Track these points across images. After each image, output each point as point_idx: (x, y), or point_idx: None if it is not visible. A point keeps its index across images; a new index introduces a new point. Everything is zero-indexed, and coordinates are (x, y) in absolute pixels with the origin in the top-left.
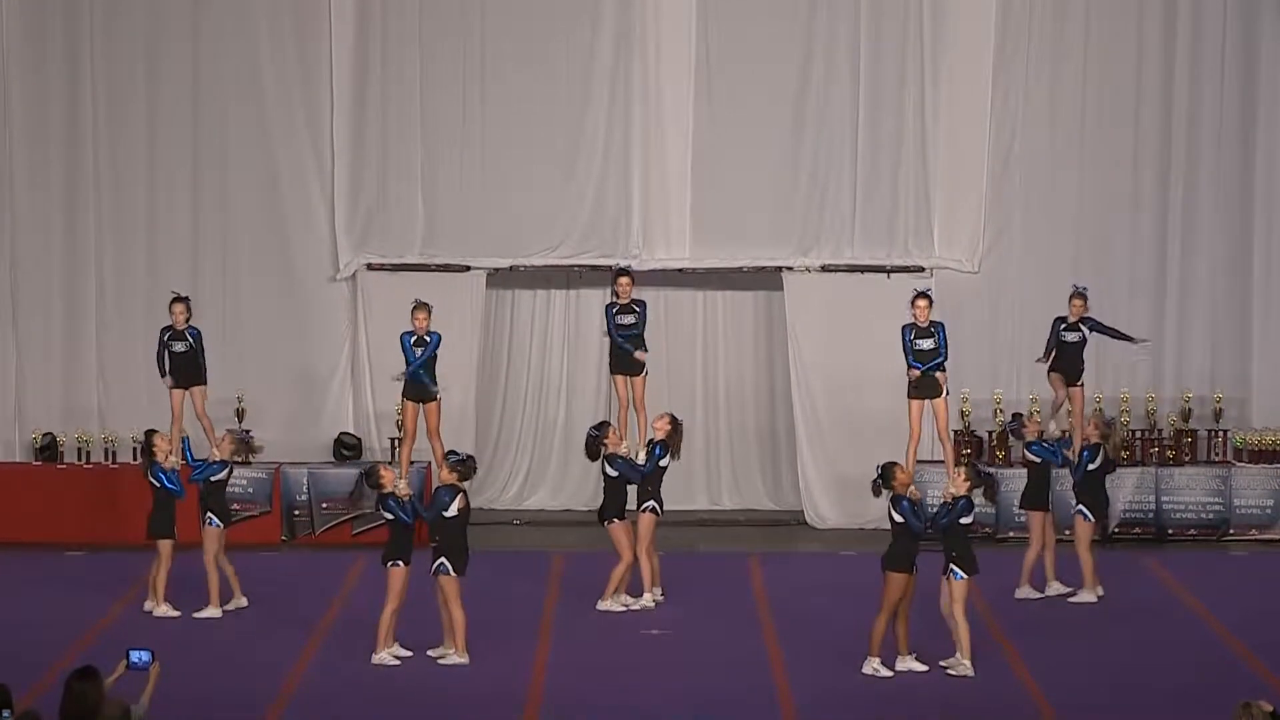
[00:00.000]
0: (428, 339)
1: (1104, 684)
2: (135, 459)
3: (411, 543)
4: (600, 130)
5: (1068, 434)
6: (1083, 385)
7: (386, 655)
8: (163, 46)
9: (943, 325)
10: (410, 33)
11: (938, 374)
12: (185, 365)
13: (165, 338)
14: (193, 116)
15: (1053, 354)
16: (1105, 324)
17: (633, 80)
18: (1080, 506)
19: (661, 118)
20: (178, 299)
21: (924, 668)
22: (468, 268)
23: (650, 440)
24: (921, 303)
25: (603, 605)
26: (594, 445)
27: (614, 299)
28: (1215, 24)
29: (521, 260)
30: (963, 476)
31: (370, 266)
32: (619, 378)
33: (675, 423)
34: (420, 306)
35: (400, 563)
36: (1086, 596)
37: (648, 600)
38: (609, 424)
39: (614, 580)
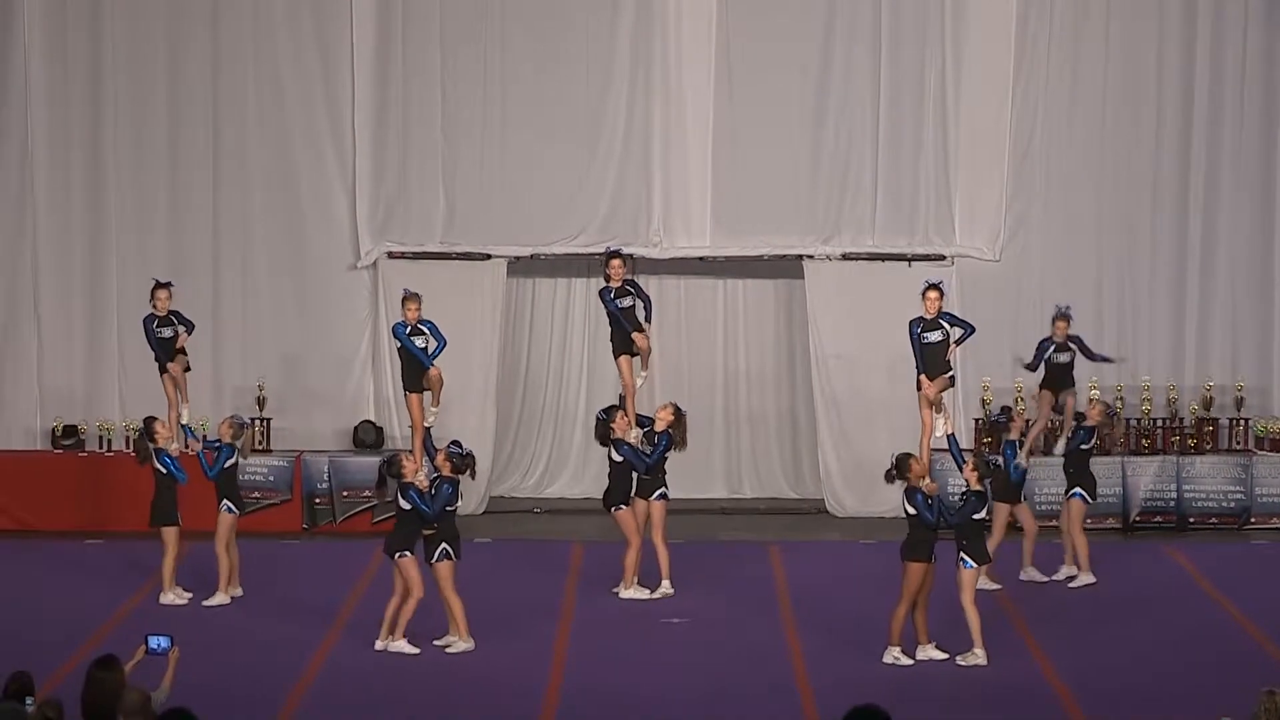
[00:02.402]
0: (424, 328)
1: (1124, 672)
2: (128, 447)
3: (419, 533)
4: (620, 119)
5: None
6: (1074, 391)
7: (404, 644)
8: (183, 37)
9: (950, 314)
10: (431, 21)
11: (953, 353)
12: (172, 350)
13: (154, 325)
14: (213, 106)
15: (1040, 372)
16: (1087, 345)
17: (653, 69)
18: (1078, 489)
19: (682, 107)
20: (160, 285)
21: (943, 656)
22: (488, 256)
23: (651, 429)
24: (932, 294)
25: (625, 594)
26: (602, 429)
27: (606, 283)
28: (1237, 8)
29: (542, 249)
30: (970, 466)
31: (391, 255)
32: (623, 359)
33: (679, 413)
34: (411, 297)
35: (408, 552)
36: (1086, 579)
37: (666, 588)
38: (618, 408)
39: (629, 567)
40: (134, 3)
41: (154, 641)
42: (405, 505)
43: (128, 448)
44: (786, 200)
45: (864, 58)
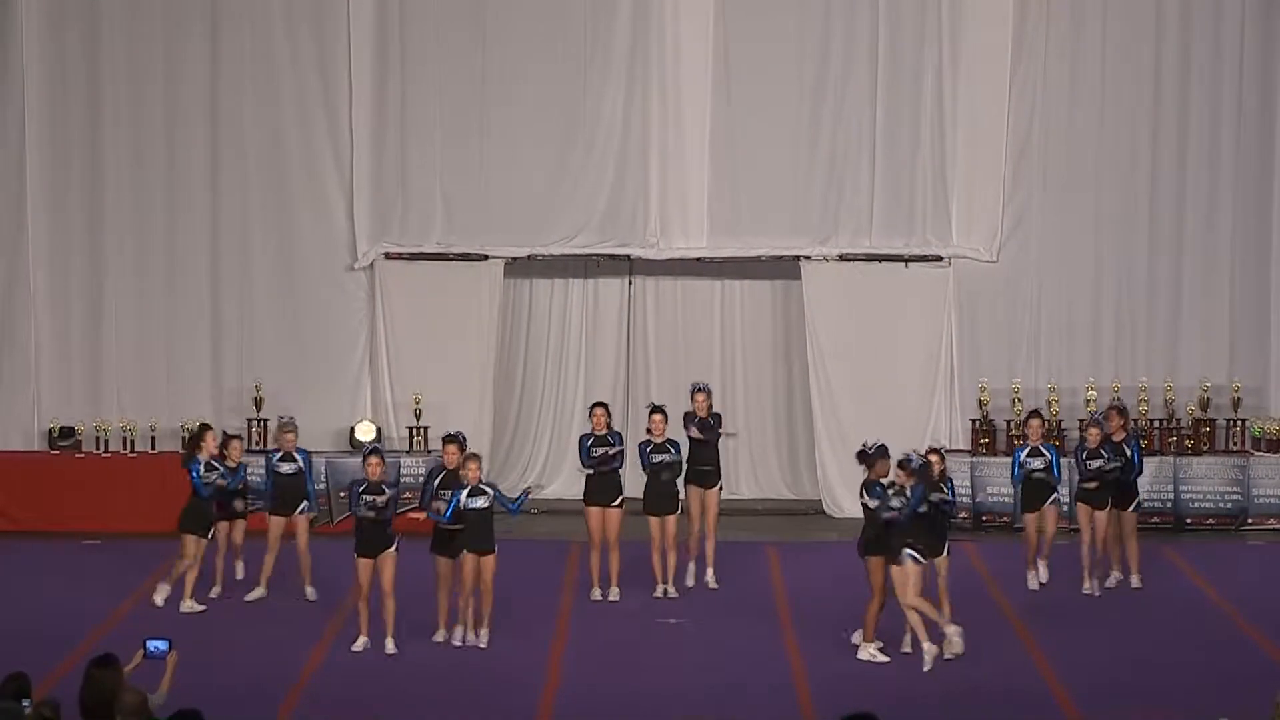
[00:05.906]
0: (486, 489)
1: (1121, 672)
2: (124, 447)
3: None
4: (618, 120)
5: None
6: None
7: (392, 643)
8: (181, 39)
9: (951, 482)
10: (428, 21)
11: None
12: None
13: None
14: (211, 108)
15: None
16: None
17: (650, 70)
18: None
19: (679, 107)
20: (230, 436)
21: (886, 659)
22: (485, 256)
23: (694, 414)
24: (934, 457)
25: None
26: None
27: (649, 437)
28: (1234, 7)
29: (539, 249)
30: (905, 475)
31: (388, 255)
32: (653, 519)
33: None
34: (472, 457)
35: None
36: (1124, 580)
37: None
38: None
39: (609, 569)
40: (132, 7)
41: (152, 645)
42: (368, 514)
43: (124, 448)
44: (784, 201)
45: (861, 58)
